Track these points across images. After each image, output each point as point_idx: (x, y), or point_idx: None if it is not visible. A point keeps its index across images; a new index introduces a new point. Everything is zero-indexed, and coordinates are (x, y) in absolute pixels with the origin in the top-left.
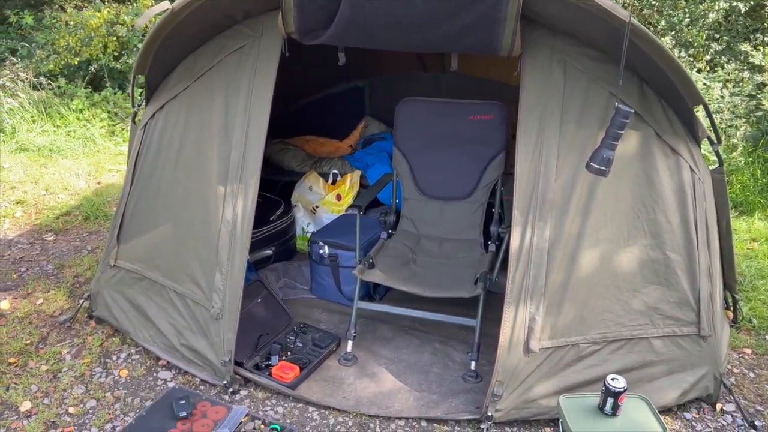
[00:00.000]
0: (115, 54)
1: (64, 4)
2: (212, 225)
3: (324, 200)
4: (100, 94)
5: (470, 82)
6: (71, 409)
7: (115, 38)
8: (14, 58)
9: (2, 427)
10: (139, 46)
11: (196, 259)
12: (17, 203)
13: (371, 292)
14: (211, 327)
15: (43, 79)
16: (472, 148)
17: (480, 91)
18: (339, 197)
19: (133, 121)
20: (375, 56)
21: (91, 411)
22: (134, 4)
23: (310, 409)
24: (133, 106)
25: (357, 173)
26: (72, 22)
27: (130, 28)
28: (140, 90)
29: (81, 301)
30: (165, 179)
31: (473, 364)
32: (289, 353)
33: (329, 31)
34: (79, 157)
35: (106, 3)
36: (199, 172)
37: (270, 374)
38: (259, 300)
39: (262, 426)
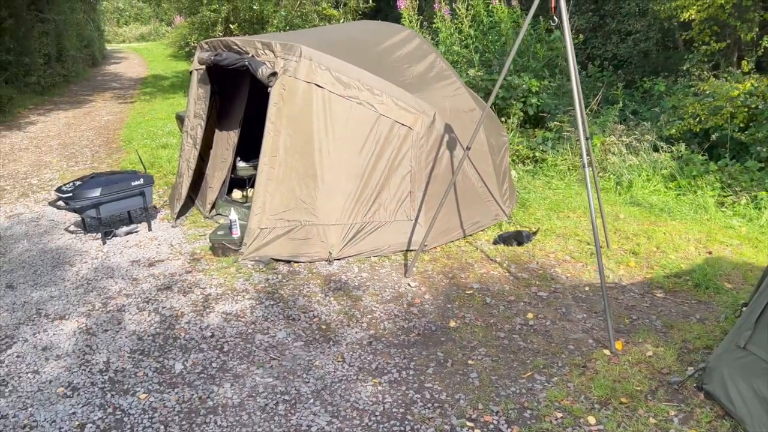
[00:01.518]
0: (741, 125)
1: (703, 73)
2: None
3: None
4: (716, 162)
5: None
6: None
7: (746, 109)
8: (644, 122)
9: None
10: None
11: None
12: (632, 253)
13: None
14: None
15: (663, 143)
16: None
17: None
18: None
19: None
20: None
21: None
22: None
23: None
24: None
25: None
26: (707, 91)
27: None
28: None
29: (691, 370)
30: None
31: None
32: None
33: None
34: (688, 222)
35: (751, 74)
36: None
37: None
38: None
39: None
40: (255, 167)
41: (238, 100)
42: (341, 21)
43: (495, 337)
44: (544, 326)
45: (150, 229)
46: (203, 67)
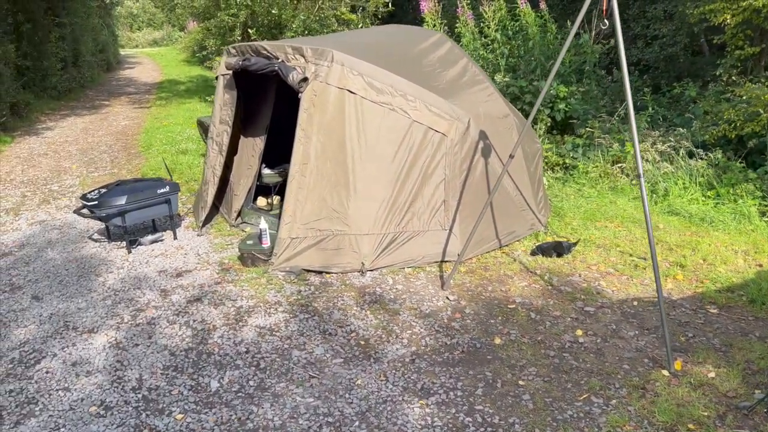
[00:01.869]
0: None
1: (731, 78)
2: None
3: None
4: (755, 170)
5: None
6: None
7: None
8: (679, 128)
9: None
10: None
11: None
12: (678, 266)
13: None
14: None
15: (700, 150)
16: None
17: None
18: None
19: None
20: None
21: None
22: None
23: None
24: None
25: None
26: (744, 96)
27: None
28: None
29: (759, 393)
30: None
31: None
32: None
33: None
34: (731, 233)
35: None
36: None
37: None
38: None
39: None
40: (280, 174)
41: (264, 106)
42: (359, 25)
43: (544, 355)
44: (595, 344)
45: (175, 238)
46: (230, 72)
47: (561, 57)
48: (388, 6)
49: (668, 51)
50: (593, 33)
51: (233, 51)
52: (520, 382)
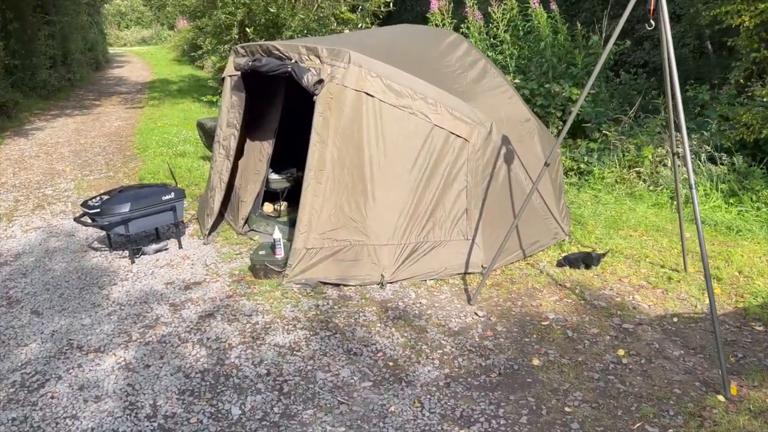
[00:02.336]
0: None
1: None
2: None
3: None
4: None
5: None
6: None
7: None
8: (702, 132)
9: None
10: None
11: None
12: (714, 278)
13: None
14: None
15: (722, 154)
16: None
17: None
18: None
19: None
20: None
21: None
22: None
23: None
24: None
25: None
26: (765, 99)
27: None
28: None
29: None
30: None
31: None
32: None
33: None
34: (761, 242)
35: None
36: None
37: None
38: None
39: None
40: (288, 179)
41: (273, 108)
42: (359, 25)
43: (588, 378)
44: (639, 365)
45: (180, 247)
46: (238, 73)
47: (602, 59)
48: (389, 5)
49: (676, 53)
50: (603, 34)
51: (242, 51)
52: (567, 409)
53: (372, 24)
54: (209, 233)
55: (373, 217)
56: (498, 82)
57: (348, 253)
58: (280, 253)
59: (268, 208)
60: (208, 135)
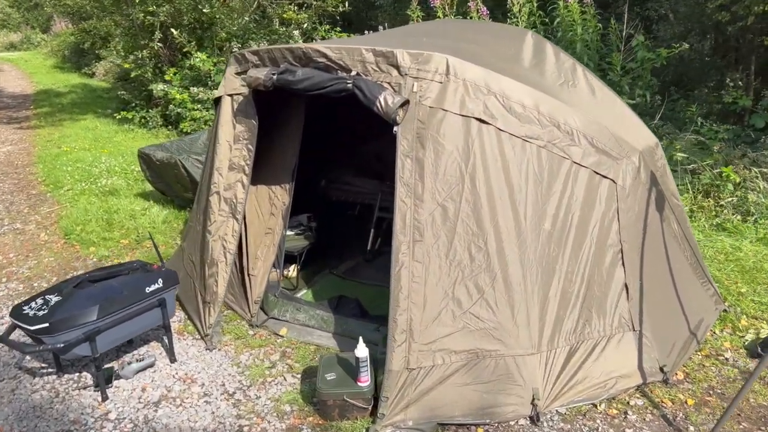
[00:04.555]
0: None
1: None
2: None
3: None
4: None
5: None
6: None
7: None
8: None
9: None
10: None
11: None
12: None
13: None
14: None
15: None
16: None
17: None
18: None
19: None
20: None
21: None
22: None
23: None
24: None
25: None
26: None
27: None
28: None
29: None
30: None
31: None
32: None
33: None
34: None
35: None
36: None
37: None
38: None
39: None
40: (305, 235)
41: (288, 140)
42: (305, 25)
43: None
44: None
45: (173, 360)
46: (244, 91)
47: None
48: (344, 4)
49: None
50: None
51: (253, 59)
52: None
53: (322, 25)
54: (210, 330)
55: (507, 309)
56: (608, 94)
57: (476, 371)
58: (365, 380)
59: (272, 275)
60: (155, 169)
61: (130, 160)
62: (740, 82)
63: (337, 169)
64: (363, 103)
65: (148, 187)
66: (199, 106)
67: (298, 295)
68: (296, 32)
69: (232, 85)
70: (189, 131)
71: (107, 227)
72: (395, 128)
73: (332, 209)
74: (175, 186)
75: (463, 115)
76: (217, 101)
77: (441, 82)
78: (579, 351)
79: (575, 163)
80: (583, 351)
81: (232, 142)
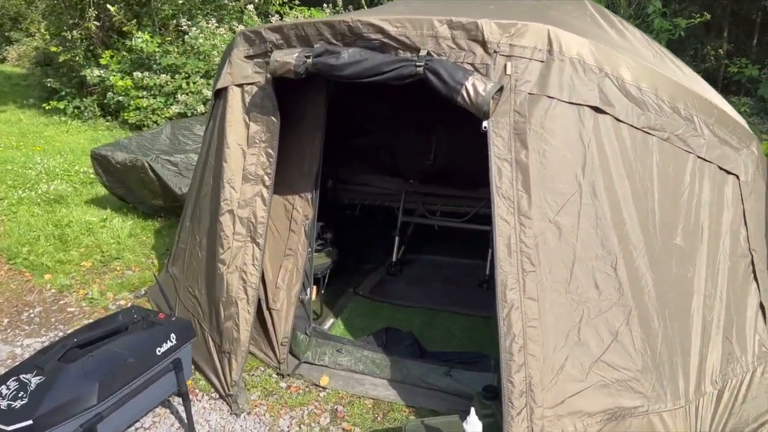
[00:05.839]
0: None
1: None
2: None
3: None
4: None
5: None
6: None
7: None
8: None
9: None
10: None
11: None
12: None
13: None
14: None
15: None
16: None
17: None
18: None
19: None
20: None
21: None
22: None
23: None
24: None
25: None
26: None
27: None
28: None
29: None
30: None
31: None
32: None
33: None
34: None
35: None
36: None
37: None
38: None
39: None
40: (326, 251)
41: (305, 137)
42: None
43: None
44: None
45: (192, 431)
46: (261, 81)
47: None
48: None
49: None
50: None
51: (273, 37)
52: None
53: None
54: (235, 389)
55: (647, 352)
56: (688, 72)
57: None
58: None
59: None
60: (114, 173)
61: (71, 158)
62: (720, 50)
63: (349, 168)
64: (441, 91)
65: (100, 191)
66: (144, 93)
67: (326, 326)
68: (250, 6)
69: (241, 73)
70: (134, 122)
71: (61, 246)
72: (484, 123)
73: (343, 215)
74: (140, 191)
75: (573, 103)
76: (218, 94)
77: (542, 61)
78: (726, 394)
79: (699, 158)
80: (730, 394)
81: (246, 147)
